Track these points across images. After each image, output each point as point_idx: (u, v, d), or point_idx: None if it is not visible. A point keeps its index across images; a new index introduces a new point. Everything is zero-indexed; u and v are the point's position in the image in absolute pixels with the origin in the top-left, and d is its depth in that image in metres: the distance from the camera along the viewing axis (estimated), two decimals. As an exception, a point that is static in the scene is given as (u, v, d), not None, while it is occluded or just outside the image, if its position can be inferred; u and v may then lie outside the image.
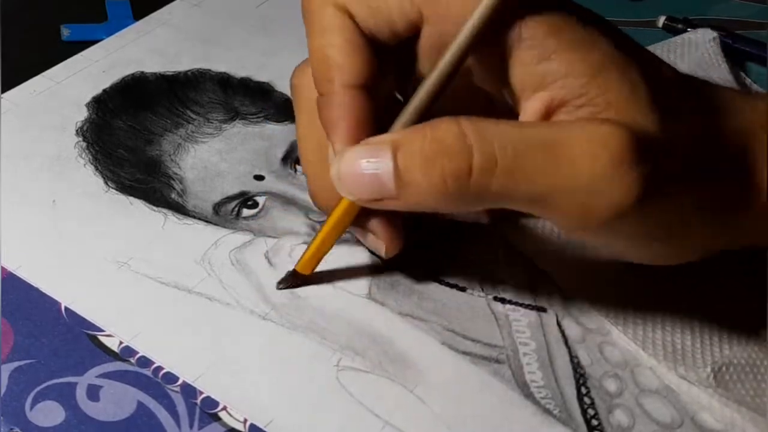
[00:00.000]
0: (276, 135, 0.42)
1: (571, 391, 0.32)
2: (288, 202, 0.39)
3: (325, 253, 0.34)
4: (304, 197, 0.38)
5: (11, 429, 0.30)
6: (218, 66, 0.46)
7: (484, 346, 0.34)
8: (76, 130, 0.42)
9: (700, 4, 0.54)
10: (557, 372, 0.33)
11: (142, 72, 0.46)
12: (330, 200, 0.32)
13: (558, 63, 0.28)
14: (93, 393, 0.31)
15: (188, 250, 0.36)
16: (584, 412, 0.32)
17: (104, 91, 0.44)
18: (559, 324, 0.34)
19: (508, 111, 0.30)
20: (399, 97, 0.33)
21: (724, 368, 0.33)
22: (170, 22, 0.50)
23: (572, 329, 0.34)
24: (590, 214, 0.28)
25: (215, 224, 0.38)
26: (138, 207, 0.38)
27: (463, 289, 0.36)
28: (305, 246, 0.35)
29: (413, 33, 0.31)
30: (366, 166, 0.29)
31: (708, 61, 0.47)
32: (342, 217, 0.32)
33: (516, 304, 0.35)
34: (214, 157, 0.41)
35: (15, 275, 0.35)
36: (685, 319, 0.35)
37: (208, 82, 0.45)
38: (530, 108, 0.29)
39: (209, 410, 0.31)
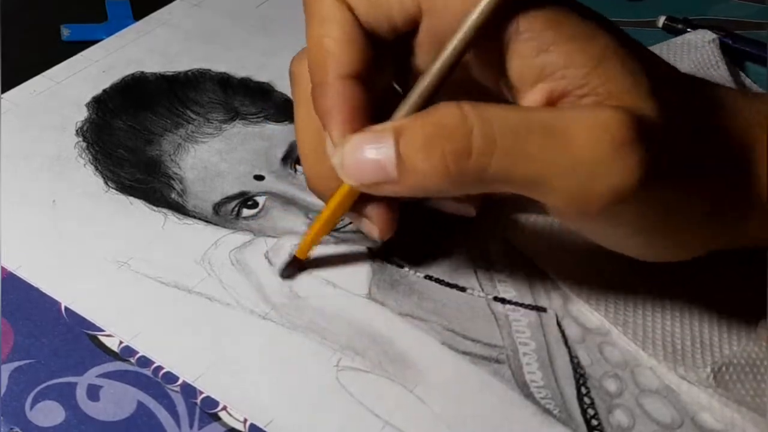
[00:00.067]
0: (276, 135, 0.42)
1: (571, 391, 0.32)
2: (288, 202, 0.39)
3: (323, 236, 0.35)
4: (304, 197, 0.39)
5: (11, 429, 0.30)
6: (218, 66, 0.46)
7: (484, 346, 0.34)
8: (76, 130, 0.42)
9: (700, 4, 0.54)
10: (557, 372, 0.33)
11: (142, 72, 0.46)
12: (326, 186, 0.33)
13: (557, 55, 0.28)
14: (93, 393, 0.31)
15: (188, 250, 0.36)
16: (584, 412, 0.32)
17: (104, 91, 0.44)
18: (559, 324, 0.34)
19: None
20: (399, 89, 0.33)
21: (724, 368, 0.33)
22: (170, 22, 0.50)
23: (572, 329, 0.34)
24: (589, 198, 0.28)
25: (215, 224, 0.38)
26: (138, 207, 0.38)
27: (463, 289, 0.36)
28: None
29: (412, 27, 0.31)
30: (369, 152, 0.29)
31: (707, 62, 0.47)
32: (341, 202, 0.33)
33: (516, 304, 0.35)
34: (214, 157, 0.41)
35: (15, 275, 0.35)
36: (685, 319, 0.35)
37: (208, 82, 0.45)
38: (530, 100, 0.29)
39: (209, 410, 0.31)
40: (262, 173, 0.40)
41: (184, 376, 0.32)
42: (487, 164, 0.27)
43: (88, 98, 0.44)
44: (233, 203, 0.39)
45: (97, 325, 0.33)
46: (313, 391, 0.32)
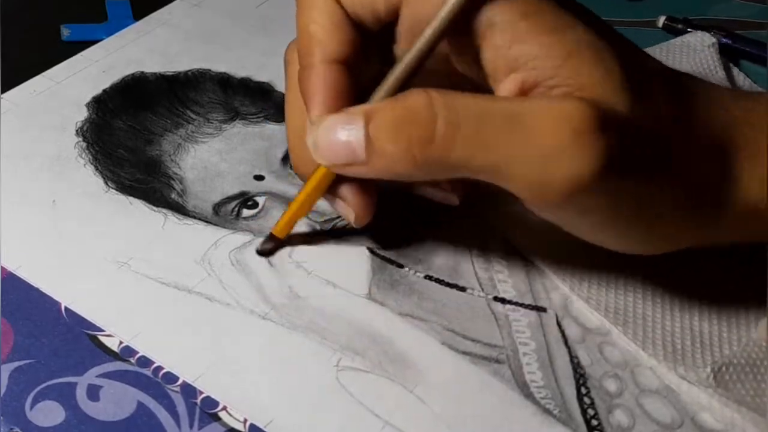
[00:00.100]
0: (276, 135, 0.42)
1: (571, 391, 0.32)
2: (288, 202, 0.39)
3: (300, 217, 0.35)
4: (304, 197, 0.39)
5: (11, 429, 0.30)
6: (218, 66, 0.46)
7: (484, 346, 0.34)
8: (76, 130, 0.42)
9: (700, 4, 0.54)
10: (557, 372, 0.33)
11: (142, 72, 0.46)
12: (308, 168, 0.33)
13: (530, 46, 0.29)
14: (93, 393, 0.31)
15: (188, 250, 0.36)
16: (584, 412, 0.32)
17: (104, 91, 0.44)
18: (559, 324, 0.34)
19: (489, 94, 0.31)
20: None
21: (724, 368, 0.33)
22: (170, 22, 0.50)
23: (572, 329, 0.34)
24: (548, 186, 0.28)
25: (215, 224, 0.38)
26: (138, 207, 0.38)
27: (463, 289, 0.36)
28: (305, 246, 0.36)
29: (395, 16, 0.32)
30: (340, 134, 0.30)
31: (705, 66, 0.47)
32: (318, 183, 0.33)
33: (516, 304, 0.35)
34: (214, 157, 0.41)
35: (15, 275, 0.35)
36: (685, 319, 0.35)
37: (208, 82, 0.45)
38: (504, 90, 0.30)
39: (209, 410, 0.31)
40: (262, 173, 0.40)
41: (184, 376, 0.32)
42: (450, 150, 0.28)
43: (88, 98, 0.44)
44: (233, 203, 0.39)
45: (97, 325, 0.33)
46: (313, 391, 0.32)
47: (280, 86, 0.45)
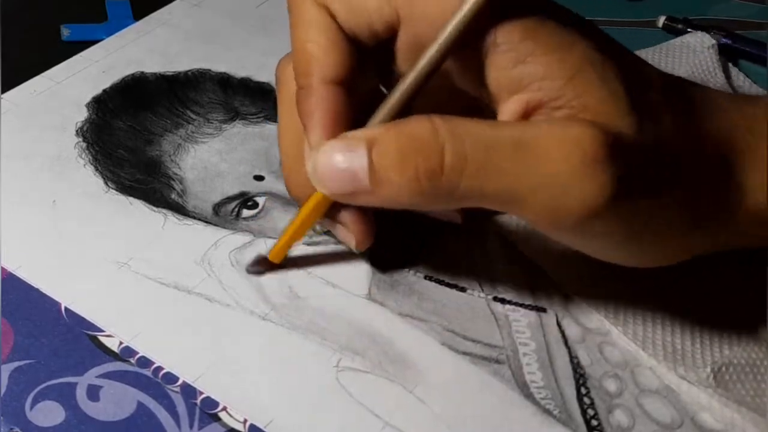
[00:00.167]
0: (276, 135, 0.42)
1: (571, 392, 0.32)
2: (288, 202, 0.39)
3: (296, 242, 0.35)
4: (304, 197, 0.39)
5: (11, 429, 0.30)
6: (218, 66, 0.46)
7: (484, 346, 0.34)
8: (76, 131, 0.42)
9: (700, 4, 0.54)
10: (557, 372, 0.33)
11: (142, 72, 0.46)
12: (304, 192, 0.33)
13: (534, 66, 0.28)
14: (93, 393, 0.31)
15: (188, 251, 0.36)
16: (584, 413, 0.32)
17: (104, 91, 0.44)
18: (559, 324, 0.34)
19: (491, 113, 0.30)
20: (385, 92, 0.33)
21: (724, 368, 0.33)
22: (170, 22, 0.50)
23: (572, 329, 0.34)
24: (561, 213, 0.28)
25: (215, 225, 0.38)
26: (138, 207, 0.38)
27: (463, 290, 0.36)
28: (305, 246, 0.36)
29: (392, 34, 0.31)
30: (341, 161, 0.29)
31: (704, 68, 0.47)
32: (314, 209, 0.33)
33: (516, 304, 0.35)
34: (214, 157, 0.41)
35: (15, 275, 0.35)
36: (685, 319, 0.35)
37: (208, 82, 0.45)
38: (508, 110, 0.29)
39: (209, 410, 0.31)
40: (262, 173, 0.40)
41: (184, 376, 0.32)
42: (458, 181, 0.28)
43: (88, 98, 0.44)
44: (233, 204, 0.39)
45: (97, 325, 0.33)
46: (313, 391, 0.32)
47: (280, 86, 0.45)
